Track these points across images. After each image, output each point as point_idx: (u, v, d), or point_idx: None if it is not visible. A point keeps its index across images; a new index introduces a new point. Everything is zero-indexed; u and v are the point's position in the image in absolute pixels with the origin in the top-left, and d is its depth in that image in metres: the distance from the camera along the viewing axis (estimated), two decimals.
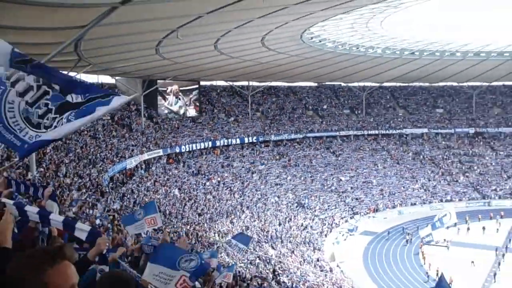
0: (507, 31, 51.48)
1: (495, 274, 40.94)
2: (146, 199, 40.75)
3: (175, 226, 38.51)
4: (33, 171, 24.93)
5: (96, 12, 20.70)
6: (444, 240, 48.41)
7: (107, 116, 51.67)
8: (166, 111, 59.37)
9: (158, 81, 56.24)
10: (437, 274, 41.01)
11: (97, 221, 20.16)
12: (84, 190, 32.19)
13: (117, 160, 44.30)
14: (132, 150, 48.18)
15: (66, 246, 2.45)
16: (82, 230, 5.17)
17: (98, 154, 42.66)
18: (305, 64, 53.13)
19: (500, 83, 79.35)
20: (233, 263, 26.17)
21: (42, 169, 31.20)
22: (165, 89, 58.71)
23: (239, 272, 28.87)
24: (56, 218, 5.29)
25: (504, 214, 56.66)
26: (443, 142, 74.94)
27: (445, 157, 72.22)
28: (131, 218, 9.98)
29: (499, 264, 43.27)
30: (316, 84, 77.72)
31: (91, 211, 24.24)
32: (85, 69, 38.65)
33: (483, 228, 52.73)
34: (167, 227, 36.88)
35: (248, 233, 46.05)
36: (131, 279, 3.68)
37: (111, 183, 41.62)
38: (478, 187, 67.23)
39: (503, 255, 45.36)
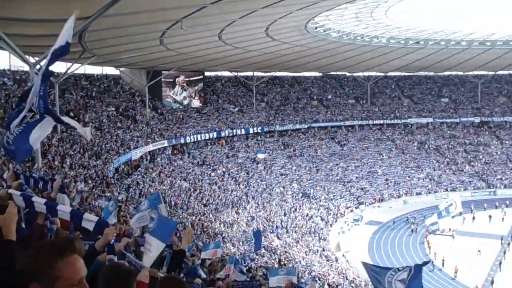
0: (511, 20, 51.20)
1: (500, 263, 41.00)
2: (152, 190, 40.89)
3: (180, 217, 38.65)
4: (38, 163, 25.03)
5: (100, 3, 20.69)
6: (450, 229, 48.46)
7: (112, 107, 51.80)
8: (170, 100, 59.43)
9: (163, 72, 56.30)
10: (443, 264, 41.19)
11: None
12: (89, 182, 32.33)
13: (122, 152, 44.39)
14: (137, 141, 48.26)
15: (76, 239, 2.47)
16: (89, 220, 5.19)
17: (104, 146, 42.76)
18: (310, 54, 53.02)
19: (506, 72, 78.89)
20: (237, 256, 26.20)
21: (47, 162, 31.34)
22: (171, 80, 58.87)
23: (245, 263, 28.94)
24: (64, 209, 5.30)
25: (509, 203, 56.63)
26: (448, 132, 74.72)
27: (450, 146, 72.05)
28: (138, 211, 9.86)
29: (504, 253, 43.30)
30: (320, 74, 77.62)
31: (96, 203, 24.33)
32: (90, 61, 38.71)
33: (490, 216, 52.85)
34: (172, 217, 37.02)
35: (254, 224, 46.32)
36: (132, 270, 3.70)
37: (116, 175, 41.73)
38: (483, 176, 67.09)
39: (509, 244, 45.37)
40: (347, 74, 77.50)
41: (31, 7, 20.59)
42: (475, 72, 76.18)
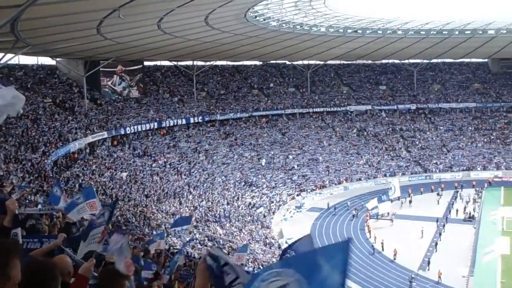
0: (445, 9, 52.85)
1: (436, 244, 42.43)
2: (92, 183, 40.09)
3: (122, 209, 38.10)
4: None
5: None
6: (388, 213, 49.81)
7: (49, 98, 50.42)
8: (109, 90, 58.22)
9: (101, 62, 55.04)
10: (382, 247, 42.31)
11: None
12: (27, 176, 31.42)
13: (61, 144, 43.28)
14: (76, 133, 47.16)
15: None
16: None
17: (41, 138, 41.59)
18: (250, 43, 53.09)
19: (440, 60, 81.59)
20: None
21: None
22: (110, 70, 57.60)
23: (188, 252, 28.94)
24: None
25: (444, 187, 58.67)
26: (386, 118, 76.53)
27: (388, 132, 73.82)
28: (72, 203, 9.57)
29: (440, 234, 44.86)
30: (261, 63, 77.82)
31: (33, 197, 23.67)
32: (24, 51, 37.51)
33: (438, 194, 56.12)
34: (114, 210, 36.39)
35: (196, 213, 46.15)
36: (14, 246, 3.50)
37: (55, 168, 40.70)
38: (420, 161, 69.15)
39: (444, 225, 47.03)
40: (287, 62, 78.01)
41: None
42: (411, 60, 78.29)
